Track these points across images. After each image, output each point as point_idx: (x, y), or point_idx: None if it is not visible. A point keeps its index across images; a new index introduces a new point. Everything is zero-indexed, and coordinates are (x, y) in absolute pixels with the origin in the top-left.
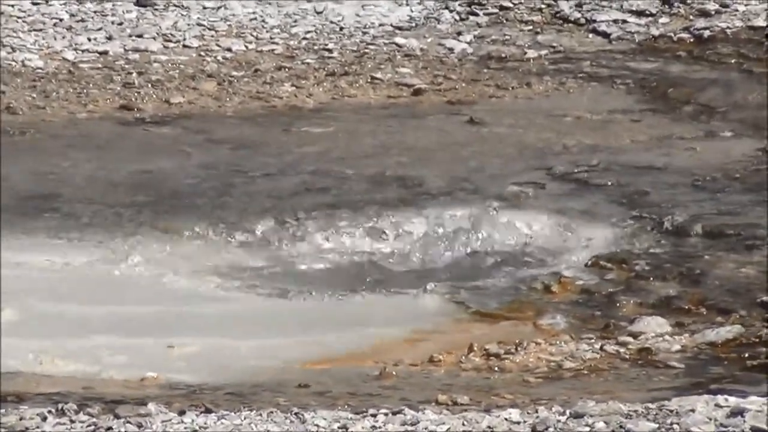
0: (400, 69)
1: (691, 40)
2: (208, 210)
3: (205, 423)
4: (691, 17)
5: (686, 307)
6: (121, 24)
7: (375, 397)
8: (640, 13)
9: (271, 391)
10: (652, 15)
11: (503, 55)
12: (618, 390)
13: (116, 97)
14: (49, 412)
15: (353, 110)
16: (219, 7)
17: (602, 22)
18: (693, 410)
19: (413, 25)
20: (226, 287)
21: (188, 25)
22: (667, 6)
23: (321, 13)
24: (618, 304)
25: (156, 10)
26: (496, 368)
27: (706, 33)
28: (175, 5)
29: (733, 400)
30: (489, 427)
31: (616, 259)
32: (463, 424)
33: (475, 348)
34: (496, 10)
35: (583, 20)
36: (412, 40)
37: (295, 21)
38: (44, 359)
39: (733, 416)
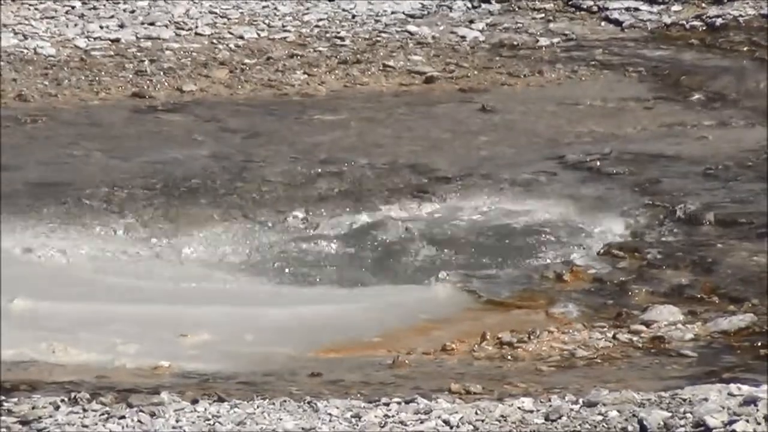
0: (412, 57)
1: (704, 27)
2: (219, 198)
3: (218, 412)
4: (704, 5)
5: (698, 296)
6: (133, 12)
7: (388, 386)
8: (652, 1)
9: (284, 380)
10: (664, 3)
11: (515, 43)
12: (631, 378)
13: (128, 84)
14: (62, 400)
15: (365, 98)
16: None
17: (614, 9)
18: (706, 399)
19: (425, 12)
20: (238, 275)
21: (200, 12)
22: None
23: (333, 0)
24: (630, 293)
25: None
26: (508, 357)
27: (719, 21)
28: None
29: (746, 389)
30: (502, 415)
31: (628, 247)
32: (476, 413)
33: (488, 337)
34: None
35: (595, 8)
36: (425, 27)
37: (308, 9)
38: (57, 348)
39: (746, 405)
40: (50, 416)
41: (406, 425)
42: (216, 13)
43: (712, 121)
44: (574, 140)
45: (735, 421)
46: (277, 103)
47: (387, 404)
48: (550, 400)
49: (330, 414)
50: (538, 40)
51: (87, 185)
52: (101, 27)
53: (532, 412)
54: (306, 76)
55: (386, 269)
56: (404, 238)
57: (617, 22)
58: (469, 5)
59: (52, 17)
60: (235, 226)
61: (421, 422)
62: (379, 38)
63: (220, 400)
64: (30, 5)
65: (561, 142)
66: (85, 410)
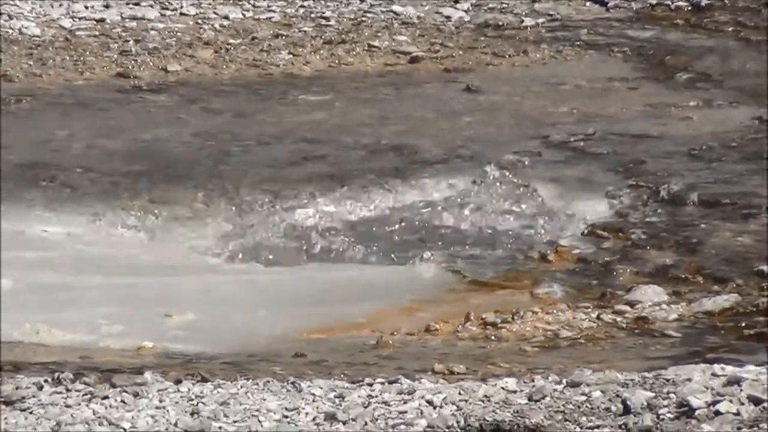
0: (397, 37)
1: (689, 8)
2: (204, 179)
3: (201, 392)
4: None
5: (683, 276)
6: None
7: (371, 367)
8: None
9: (268, 361)
10: None
11: (500, 23)
12: (615, 359)
13: (113, 64)
14: (46, 381)
15: (350, 78)
16: None
17: None
18: (690, 379)
19: None
20: (222, 256)
21: None
22: None
23: None
24: (614, 273)
25: None
26: (492, 337)
27: (704, 1)
28: None
29: (729, 369)
30: (485, 396)
31: (613, 227)
32: (460, 393)
33: (472, 317)
34: None
35: None
36: (410, 7)
37: None
38: (41, 329)
39: (729, 385)
40: (33, 396)
41: (389, 405)
42: None
43: (697, 101)
44: (559, 120)
45: (718, 402)
46: (261, 83)
47: (370, 385)
48: (533, 381)
49: (313, 394)
50: (523, 20)
51: (71, 165)
52: (86, 7)
53: (515, 392)
54: (291, 56)
55: (371, 250)
56: (388, 218)
57: (602, 2)
58: None
59: None
60: (219, 207)
61: (405, 402)
62: (364, 18)
63: (204, 380)
64: None
65: (545, 123)
66: (68, 390)
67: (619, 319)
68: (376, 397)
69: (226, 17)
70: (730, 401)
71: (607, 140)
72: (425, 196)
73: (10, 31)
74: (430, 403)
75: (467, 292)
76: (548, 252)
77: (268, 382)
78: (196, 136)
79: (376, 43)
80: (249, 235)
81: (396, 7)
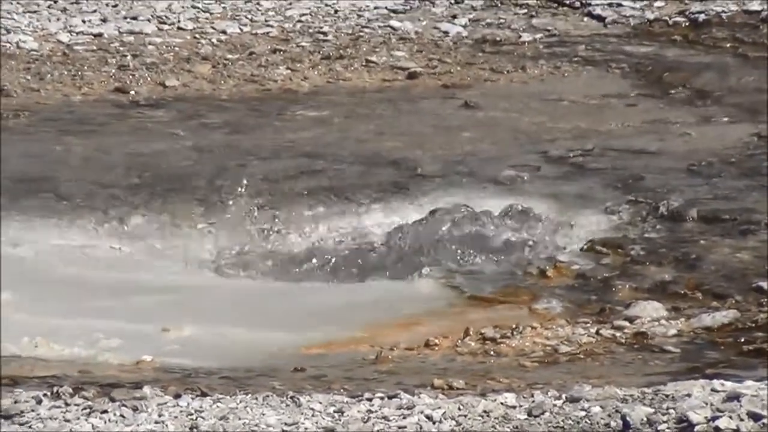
0: (395, 52)
1: (687, 24)
2: (202, 193)
3: (201, 407)
4: (687, 1)
5: (682, 292)
6: (115, 6)
7: (371, 382)
8: None
9: (267, 376)
10: None
11: (498, 39)
12: (614, 374)
13: (111, 79)
14: (44, 395)
15: (348, 94)
16: None
17: (597, 5)
18: (689, 395)
19: (408, 8)
20: (221, 271)
21: (183, 7)
22: None
23: None
24: (613, 289)
25: None
26: (491, 352)
27: (702, 17)
28: None
29: (729, 385)
30: (485, 411)
31: (612, 243)
32: (459, 408)
33: (471, 332)
34: None
35: (578, 4)
36: (407, 23)
37: (290, 3)
38: (40, 343)
39: (729, 401)
40: (32, 410)
41: (388, 420)
42: (198, 8)
43: (695, 117)
44: (557, 136)
45: (718, 417)
46: (259, 98)
47: (370, 399)
48: (532, 396)
49: (313, 409)
50: (520, 36)
51: (69, 180)
52: (84, 21)
53: (514, 407)
54: (289, 71)
55: (369, 265)
56: (386, 233)
57: (600, 18)
58: (452, 0)
59: (35, 11)
60: (217, 222)
61: (404, 417)
62: (361, 33)
63: (203, 394)
64: None
65: (544, 138)
66: (67, 404)
67: (618, 334)
68: (376, 412)
69: (224, 32)
70: (730, 417)
71: (605, 156)
72: (423, 211)
73: (8, 45)
74: (429, 418)
75: (466, 307)
76: (547, 267)
77: (268, 396)
78: (193, 150)
79: (373, 59)
80: (247, 250)
81: (394, 23)
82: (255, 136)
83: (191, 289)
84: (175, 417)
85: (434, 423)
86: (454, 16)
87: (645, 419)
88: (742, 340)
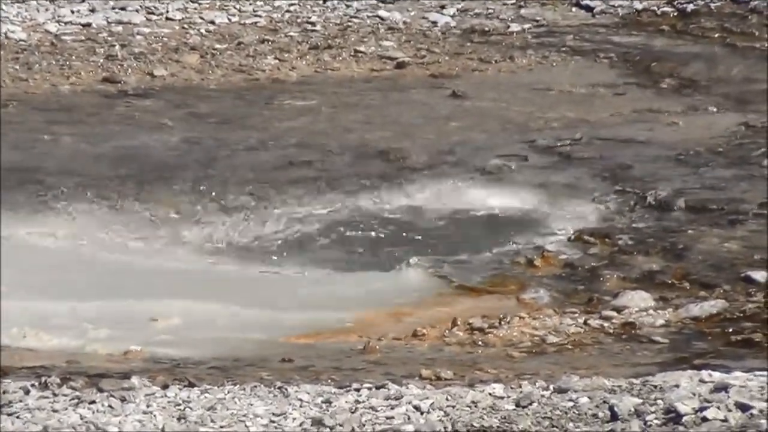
0: (383, 42)
1: (675, 14)
2: (190, 183)
3: (188, 397)
4: None
5: (669, 282)
6: None
7: (359, 372)
8: None
9: (255, 366)
10: None
11: (486, 29)
12: (602, 365)
13: (99, 69)
14: (32, 385)
15: (336, 83)
16: None
17: None
18: (677, 385)
19: None
20: (210, 259)
21: None
22: None
23: None
24: (601, 279)
25: None
26: (479, 342)
27: (690, 7)
28: None
29: (717, 376)
30: (473, 401)
31: (599, 233)
32: (447, 399)
33: (459, 322)
34: None
35: None
36: (396, 13)
37: None
38: (28, 333)
39: (717, 391)
40: (20, 401)
41: (376, 411)
42: None
43: (683, 107)
44: (545, 126)
45: (706, 408)
46: (248, 88)
47: (358, 390)
48: (520, 386)
49: (300, 399)
50: (509, 26)
51: (58, 170)
52: (72, 11)
53: (502, 398)
54: (277, 61)
55: (357, 255)
56: (374, 222)
57: (588, 8)
58: None
59: (23, 1)
60: (205, 210)
61: (392, 408)
62: (350, 23)
63: (191, 385)
64: None
65: (532, 128)
66: (55, 395)
67: (606, 324)
68: (364, 402)
69: (212, 22)
70: (718, 408)
71: (593, 145)
72: (411, 200)
73: None
74: (417, 408)
75: (454, 297)
76: (535, 257)
77: (255, 387)
78: (182, 140)
79: (362, 49)
80: (235, 239)
81: (382, 13)
82: (243, 125)
83: (180, 278)
84: (163, 407)
85: (422, 413)
86: (443, 7)
87: (633, 410)
88: (730, 330)
